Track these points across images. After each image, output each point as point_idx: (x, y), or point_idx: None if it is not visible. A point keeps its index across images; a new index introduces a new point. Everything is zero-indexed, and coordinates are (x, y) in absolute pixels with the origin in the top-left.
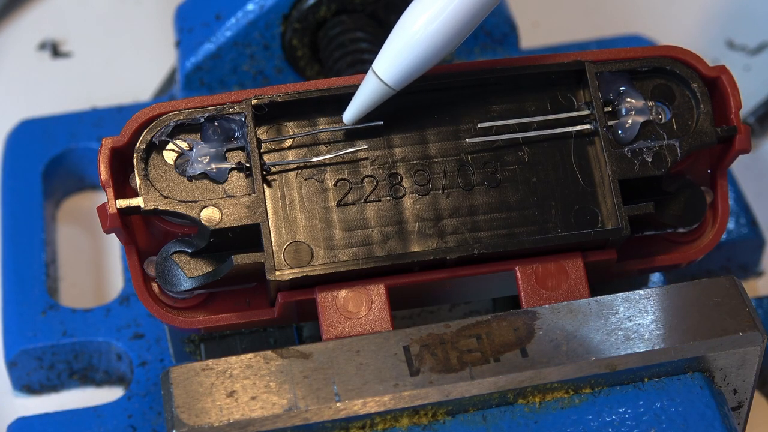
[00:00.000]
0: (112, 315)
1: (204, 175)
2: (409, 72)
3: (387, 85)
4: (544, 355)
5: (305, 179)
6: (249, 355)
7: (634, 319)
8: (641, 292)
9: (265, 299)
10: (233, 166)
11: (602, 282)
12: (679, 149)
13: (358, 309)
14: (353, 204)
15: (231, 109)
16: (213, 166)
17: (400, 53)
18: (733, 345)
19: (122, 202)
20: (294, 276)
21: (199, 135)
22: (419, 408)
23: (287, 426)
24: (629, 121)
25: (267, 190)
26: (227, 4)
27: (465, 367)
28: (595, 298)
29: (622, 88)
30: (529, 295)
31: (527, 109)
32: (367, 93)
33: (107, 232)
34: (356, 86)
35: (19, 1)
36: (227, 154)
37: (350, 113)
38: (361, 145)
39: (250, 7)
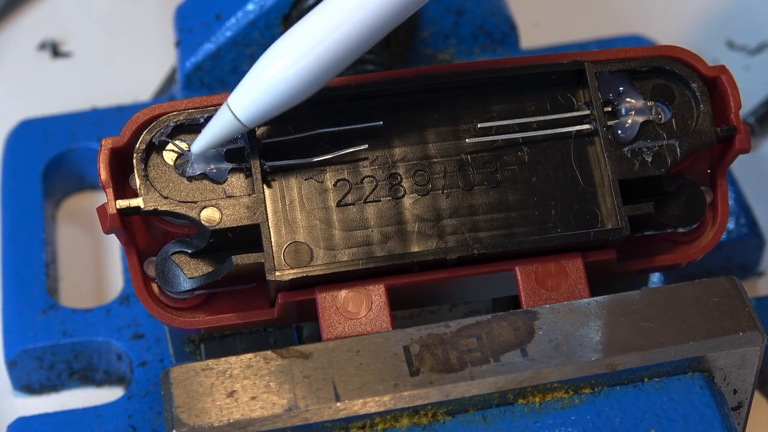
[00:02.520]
0: (112, 315)
1: (204, 176)
2: (265, 113)
3: (240, 122)
4: (544, 355)
5: (305, 179)
6: (249, 355)
7: (633, 319)
8: (641, 292)
9: (265, 299)
10: (233, 166)
11: (602, 282)
12: (679, 149)
13: (358, 309)
14: (353, 204)
15: None
16: (213, 166)
17: (257, 94)
18: (733, 345)
19: (122, 203)
20: (294, 276)
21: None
22: (419, 408)
23: (287, 426)
24: (629, 121)
25: (267, 191)
26: (227, 4)
27: (465, 367)
28: (595, 298)
29: (621, 88)
30: (529, 295)
31: (527, 109)
32: (219, 127)
33: (107, 232)
34: (357, 86)
35: (19, 1)
36: (227, 155)
37: (199, 144)
38: (361, 145)
39: (250, 7)
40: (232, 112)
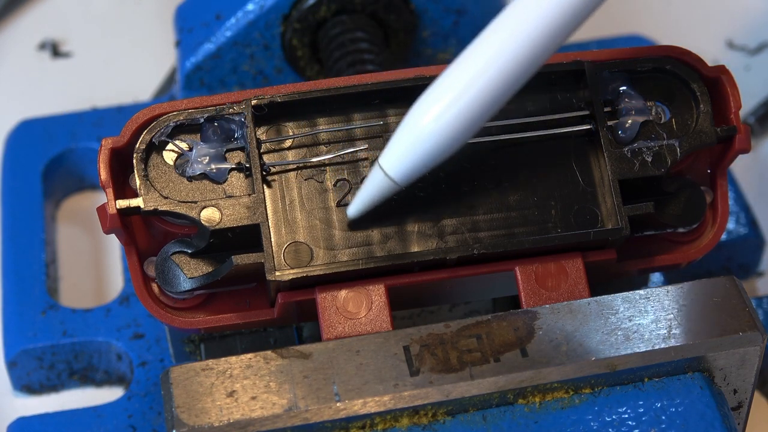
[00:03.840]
0: (112, 315)
1: (204, 176)
2: (418, 168)
3: (394, 181)
4: (544, 355)
5: (305, 179)
6: (249, 355)
7: (634, 319)
8: (641, 292)
9: (265, 299)
10: (233, 166)
11: (602, 282)
12: (678, 149)
13: (358, 309)
14: None
15: (231, 110)
16: (213, 166)
17: (408, 149)
18: (733, 345)
19: (122, 203)
20: (294, 276)
21: (198, 135)
22: (419, 408)
23: (287, 426)
24: (629, 121)
25: (267, 191)
26: (227, 4)
27: (465, 367)
28: (595, 298)
29: (621, 88)
30: (529, 295)
31: (527, 109)
32: (373, 189)
33: (107, 232)
34: (356, 86)
35: (19, 1)
36: (227, 155)
37: (355, 208)
38: (361, 145)
39: (250, 7)
40: (384, 172)
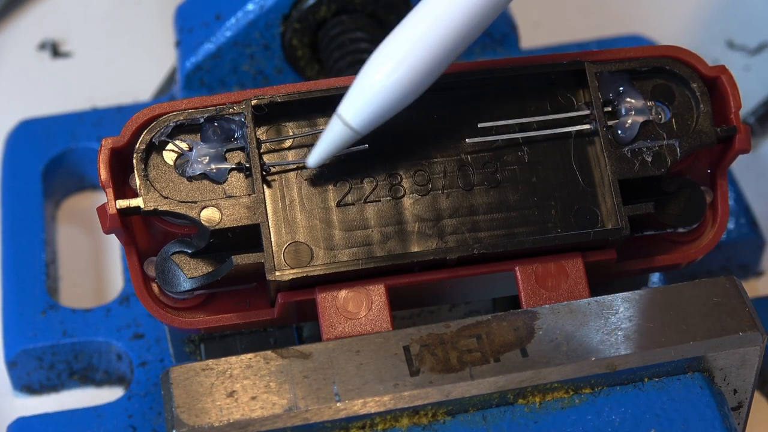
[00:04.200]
0: (112, 315)
1: (204, 176)
2: (376, 117)
3: (353, 129)
4: (544, 355)
5: (305, 179)
6: (249, 355)
7: (634, 319)
8: (641, 292)
9: (265, 299)
10: (233, 166)
11: (602, 282)
12: (678, 149)
13: (358, 309)
14: (353, 204)
15: (231, 110)
16: (213, 166)
17: (366, 99)
18: (733, 345)
19: (122, 203)
20: (294, 276)
21: (198, 135)
22: (419, 408)
23: (287, 426)
24: (629, 121)
25: (267, 191)
26: (227, 4)
27: (465, 367)
28: (595, 298)
29: (621, 88)
30: (529, 295)
31: (527, 109)
32: (332, 137)
33: (107, 232)
34: None
35: (19, 1)
36: (227, 155)
37: (314, 157)
38: (361, 145)
39: (250, 7)
40: (344, 121)
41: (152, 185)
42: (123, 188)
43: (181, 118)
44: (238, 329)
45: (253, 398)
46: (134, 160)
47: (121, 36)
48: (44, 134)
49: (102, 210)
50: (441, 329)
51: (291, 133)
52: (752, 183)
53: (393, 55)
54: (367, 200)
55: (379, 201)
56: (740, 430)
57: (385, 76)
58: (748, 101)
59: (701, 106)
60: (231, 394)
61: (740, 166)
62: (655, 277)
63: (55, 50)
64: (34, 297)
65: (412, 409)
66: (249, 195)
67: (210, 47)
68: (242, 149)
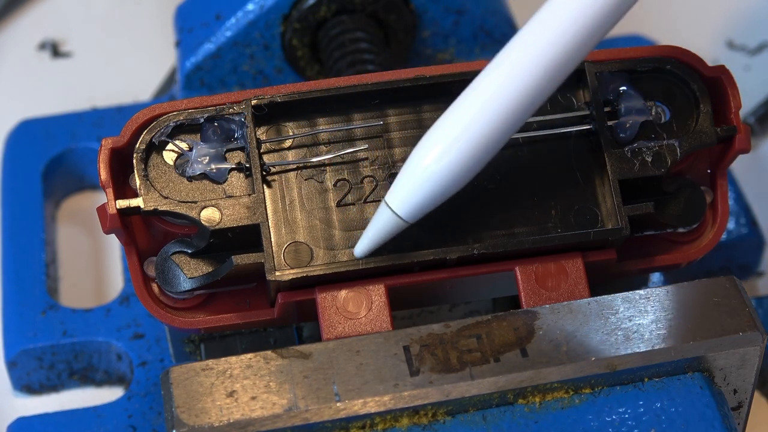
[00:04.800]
0: (112, 315)
1: (204, 176)
2: (425, 206)
3: (401, 219)
4: (544, 355)
5: (305, 179)
6: (249, 355)
7: (634, 319)
8: (641, 292)
9: (265, 299)
10: (233, 166)
11: (602, 282)
12: (678, 149)
13: (358, 309)
14: (353, 204)
15: (231, 110)
16: (213, 166)
17: (414, 189)
18: (733, 345)
19: (122, 203)
20: (294, 276)
21: (198, 135)
22: (419, 408)
23: (287, 426)
24: (629, 121)
25: (267, 191)
26: (227, 4)
27: (465, 367)
28: (595, 298)
29: (622, 88)
30: (529, 295)
31: None
32: (380, 227)
33: (107, 232)
34: (356, 86)
35: (19, 1)
36: (227, 155)
37: (362, 247)
38: (361, 145)
39: (250, 7)
40: (392, 210)
41: (152, 185)
42: (123, 188)
43: (181, 118)
44: (238, 329)
45: (253, 398)
46: (134, 160)
47: (121, 36)
48: (44, 134)
49: (102, 210)
50: (441, 329)
51: (291, 133)
52: (752, 183)
53: (443, 137)
54: (367, 200)
55: (380, 201)
56: (740, 430)
57: (435, 161)
58: (748, 101)
59: (701, 106)
60: (231, 394)
61: (740, 166)
62: (655, 277)
63: (55, 50)
64: (34, 297)
65: (412, 409)
66: (249, 195)
67: (210, 47)
68: (242, 149)
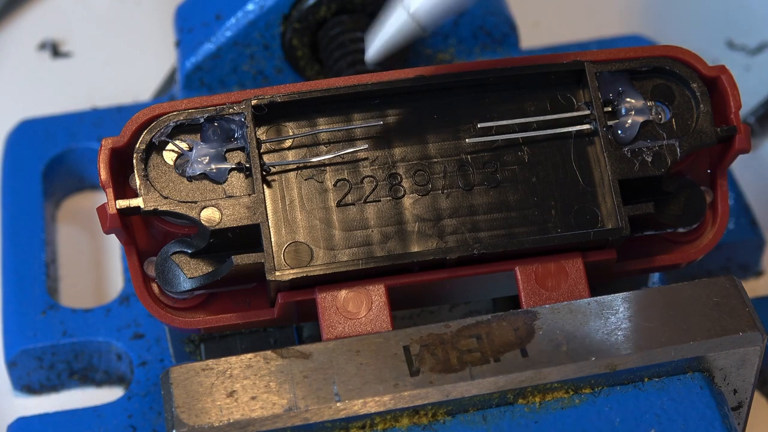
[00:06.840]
0: (112, 315)
1: (204, 176)
2: (441, 11)
3: (417, 22)
4: (544, 355)
5: (305, 179)
6: (249, 355)
7: (634, 319)
8: (641, 292)
9: (265, 299)
10: (233, 166)
11: (602, 282)
12: (678, 149)
13: (358, 309)
14: (353, 204)
15: (231, 110)
16: (213, 166)
17: None
18: (733, 345)
19: (122, 203)
20: (294, 276)
21: (198, 135)
22: (419, 408)
23: (287, 426)
24: (629, 121)
25: (267, 191)
26: (227, 4)
27: (465, 367)
28: (595, 298)
29: (621, 88)
30: (529, 295)
31: (527, 109)
32: (394, 30)
33: (107, 232)
34: (356, 86)
35: (19, 1)
36: (227, 155)
37: (374, 52)
38: (361, 145)
39: (250, 7)
40: (410, 13)
41: (152, 185)
42: (123, 188)
43: (181, 118)
44: (238, 329)
45: (253, 398)
46: (134, 160)
47: (121, 36)
48: (44, 134)
49: (102, 210)
50: (441, 329)
51: (291, 133)
52: (752, 183)
53: None
54: (367, 200)
55: (379, 201)
56: (740, 430)
57: None
58: (748, 101)
59: (701, 106)
60: (231, 394)
61: (740, 166)
62: (655, 277)
63: (55, 50)
64: (34, 297)
65: (412, 409)
66: (249, 195)
67: (210, 47)
68: (242, 149)
